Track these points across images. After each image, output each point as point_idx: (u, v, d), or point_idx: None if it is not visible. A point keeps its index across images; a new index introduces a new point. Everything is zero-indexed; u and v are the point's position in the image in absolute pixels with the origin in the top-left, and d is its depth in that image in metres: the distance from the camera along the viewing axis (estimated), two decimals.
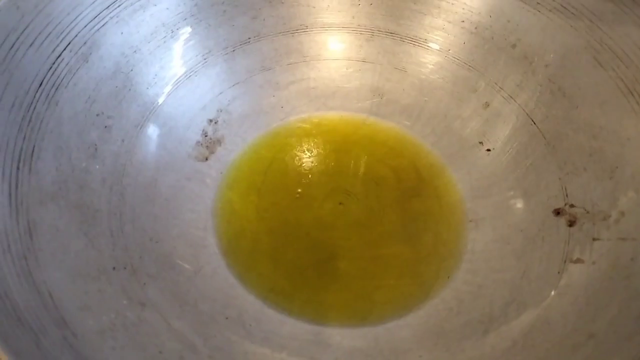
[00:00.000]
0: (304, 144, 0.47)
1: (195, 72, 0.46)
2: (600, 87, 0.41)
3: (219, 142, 0.46)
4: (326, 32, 0.50)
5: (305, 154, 0.47)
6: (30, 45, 0.36)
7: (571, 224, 0.39)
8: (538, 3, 0.44)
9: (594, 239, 0.38)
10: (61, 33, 0.38)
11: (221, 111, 0.47)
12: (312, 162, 0.46)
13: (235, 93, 0.48)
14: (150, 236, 0.38)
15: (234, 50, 0.48)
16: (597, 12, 0.41)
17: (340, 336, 0.37)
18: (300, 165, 0.46)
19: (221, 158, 0.45)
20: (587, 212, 0.39)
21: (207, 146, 0.45)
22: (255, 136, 0.47)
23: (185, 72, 0.46)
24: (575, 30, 0.43)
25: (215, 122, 0.46)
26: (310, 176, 0.46)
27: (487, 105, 0.47)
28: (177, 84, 0.45)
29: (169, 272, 0.37)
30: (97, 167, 0.39)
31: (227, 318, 0.37)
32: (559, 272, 0.37)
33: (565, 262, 0.38)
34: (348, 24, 0.51)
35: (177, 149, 0.44)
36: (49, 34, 0.37)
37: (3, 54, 0.34)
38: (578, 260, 0.37)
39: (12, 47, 0.35)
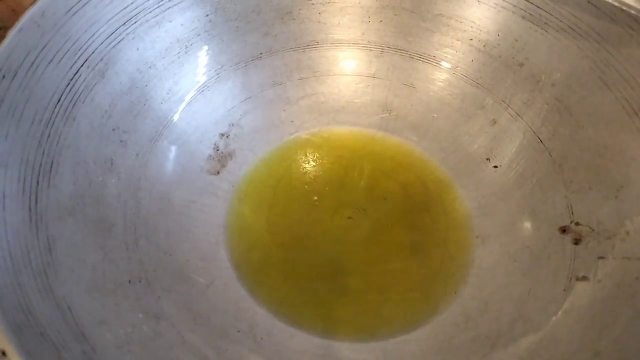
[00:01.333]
0: (314, 158, 0.48)
1: (208, 87, 0.47)
2: (606, 107, 0.42)
3: (230, 155, 0.47)
4: (336, 48, 0.51)
5: (315, 168, 0.48)
6: (50, 62, 0.37)
7: (577, 242, 0.40)
8: (545, 23, 0.45)
9: (599, 258, 0.38)
10: (79, 50, 0.39)
11: (233, 125, 0.48)
12: (321, 177, 0.47)
13: (247, 107, 0.49)
14: (164, 249, 0.39)
15: (246, 66, 0.49)
16: (603, 33, 0.42)
17: (349, 350, 0.38)
18: (310, 179, 0.47)
19: (232, 172, 0.46)
20: (593, 231, 0.40)
21: (218, 160, 0.46)
22: (266, 150, 0.48)
23: (198, 87, 0.47)
24: (581, 51, 0.43)
25: (227, 136, 0.47)
26: (320, 190, 0.46)
27: (494, 122, 0.48)
28: (190, 98, 0.46)
29: (182, 286, 0.38)
30: (113, 181, 0.39)
31: (238, 331, 0.37)
32: (564, 290, 0.38)
33: (570, 279, 0.38)
34: (358, 40, 0.51)
35: (190, 162, 0.45)
36: (67, 51, 0.38)
37: (23, 72, 0.35)
38: (583, 278, 0.38)
39: (32, 64, 0.36)
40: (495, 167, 0.46)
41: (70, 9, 0.38)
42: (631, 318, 0.34)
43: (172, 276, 0.38)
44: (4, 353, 0.26)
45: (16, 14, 0.59)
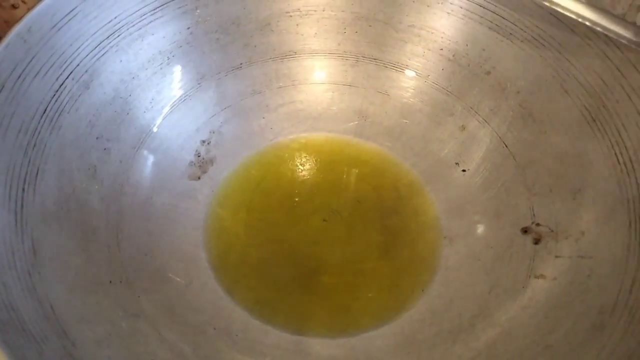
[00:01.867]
0: (291, 164, 0.50)
1: (190, 96, 0.49)
2: (566, 114, 0.44)
3: (211, 161, 0.49)
4: (313, 58, 0.53)
5: (293, 173, 0.50)
6: (36, 75, 0.39)
7: (536, 241, 0.42)
8: (510, 34, 0.47)
9: (556, 257, 0.41)
10: (64, 62, 0.41)
11: (213, 132, 0.50)
12: (299, 181, 0.49)
13: (227, 115, 0.51)
14: (144, 252, 0.41)
15: (226, 75, 0.51)
16: (564, 43, 0.44)
17: (320, 346, 0.40)
18: (288, 183, 0.49)
19: (213, 177, 0.48)
20: (552, 231, 0.42)
21: (199, 166, 0.48)
22: (245, 156, 0.50)
23: (180, 96, 0.49)
24: (544, 60, 0.46)
25: (208, 143, 0.49)
26: (297, 194, 0.48)
27: (463, 128, 0.50)
28: (172, 107, 0.48)
29: (161, 286, 0.40)
30: (96, 187, 0.42)
31: (215, 328, 0.39)
32: (523, 287, 0.40)
33: (529, 277, 0.41)
34: (334, 50, 0.54)
35: (172, 168, 0.47)
36: (53, 64, 0.40)
37: (11, 84, 0.37)
38: (540, 276, 0.40)
39: (19, 77, 0.38)
40: (464, 170, 0.48)
41: (56, 24, 0.41)
42: (580, 313, 0.36)
43: (151, 277, 0.40)
44: None
45: (9, 25, 0.61)
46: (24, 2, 0.59)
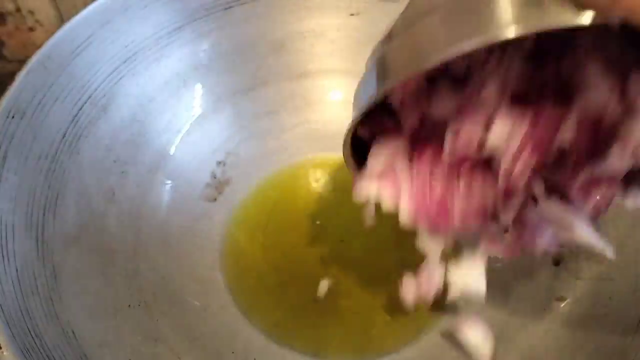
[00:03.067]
0: (307, 184, 0.50)
1: (205, 117, 0.50)
2: None
3: (227, 183, 0.49)
4: (328, 77, 0.54)
5: (309, 193, 0.50)
6: (55, 100, 0.40)
7: (557, 263, 0.42)
8: None
9: (577, 278, 0.40)
10: (82, 87, 0.42)
11: (229, 154, 0.50)
12: (315, 201, 0.49)
13: (243, 136, 0.51)
14: (162, 275, 0.41)
15: (241, 96, 0.51)
16: None
17: None
18: (304, 204, 0.49)
19: (229, 198, 0.49)
20: (572, 252, 0.42)
21: (215, 187, 0.49)
22: (261, 177, 0.50)
23: (196, 118, 0.49)
24: None
25: (224, 164, 0.50)
26: (313, 214, 0.48)
27: None
28: (188, 129, 0.49)
29: (179, 309, 0.40)
30: (114, 210, 0.42)
31: (233, 352, 0.39)
32: (544, 310, 0.40)
33: (550, 300, 0.40)
34: (350, 70, 0.54)
35: (188, 190, 0.47)
36: (72, 89, 0.41)
37: (32, 111, 0.38)
38: (561, 298, 0.40)
39: (39, 103, 0.39)
40: None
41: (75, 49, 0.41)
42: (602, 336, 0.36)
43: (169, 300, 0.40)
44: None
45: (26, 48, 0.62)
46: (41, 25, 0.60)
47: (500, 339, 0.40)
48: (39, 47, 0.40)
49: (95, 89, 0.42)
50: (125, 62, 0.44)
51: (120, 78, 0.44)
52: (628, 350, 0.34)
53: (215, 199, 0.48)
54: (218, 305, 0.42)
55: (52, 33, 0.41)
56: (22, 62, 0.39)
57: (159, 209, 0.45)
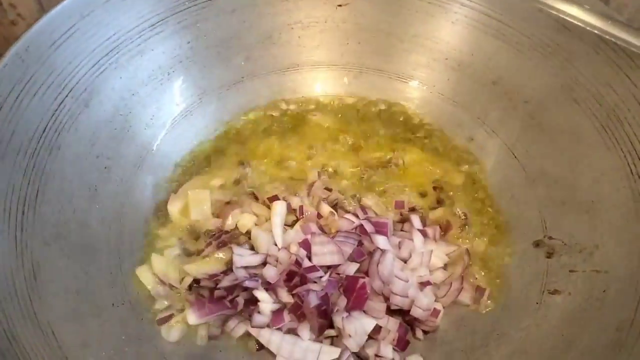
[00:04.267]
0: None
1: (191, 111, 0.49)
2: (577, 124, 0.43)
3: None
4: (316, 69, 0.53)
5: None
6: (34, 94, 0.38)
7: (549, 255, 0.41)
8: (517, 42, 0.46)
9: (570, 271, 0.39)
10: (63, 81, 0.40)
11: None
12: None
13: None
14: None
15: (228, 89, 0.50)
16: (572, 52, 0.44)
17: None
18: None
19: None
20: (565, 244, 0.41)
21: None
22: None
23: (181, 112, 0.48)
24: (552, 69, 0.45)
25: None
26: None
27: (471, 139, 0.49)
28: (173, 123, 0.48)
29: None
30: (97, 207, 0.41)
31: (220, 351, 0.38)
32: (537, 303, 0.39)
33: (543, 293, 0.39)
34: (337, 62, 0.53)
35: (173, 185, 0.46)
36: (52, 83, 0.40)
37: (9, 105, 0.37)
38: (555, 292, 0.39)
39: (17, 97, 0.37)
40: (474, 183, 0.47)
41: (54, 42, 0.40)
42: (597, 330, 0.35)
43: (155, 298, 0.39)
44: None
45: (7, 42, 0.60)
46: (23, 19, 0.58)
47: (492, 334, 0.39)
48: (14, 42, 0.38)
49: (76, 83, 0.41)
50: (107, 55, 0.43)
51: (102, 71, 0.43)
52: (623, 344, 0.33)
53: None
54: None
55: (28, 28, 0.39)
56: (3, 56, 0.38)
57: (144, 205, 0.44)
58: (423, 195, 0.47)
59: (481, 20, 0.48)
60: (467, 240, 0.44)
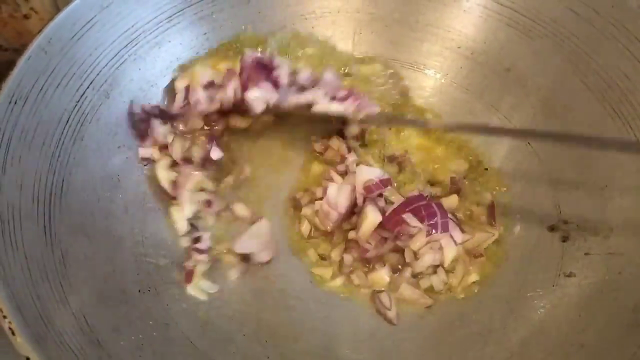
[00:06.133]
0: None
1: None
2: (589, 109, 0.44)
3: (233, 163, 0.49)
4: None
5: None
6: (57, 86, 0.39)
7: (564, 239, 0.42)
8: (529, 30, 0.47)
9: (585, 254, 0.40)
10: (84, 73, 0.41)
11: None
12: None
13: None
14: (171, 260, 0.41)
15: None
16: (584, 38, 0.44)
17: (350, 350, 0.40)
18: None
19: (238, 181, 0.48)
20: (579, 228, 0.42)
21: (221, 170, 0.48)
22: None
23: None
24: (564, 56, 0.45)
25: None
26: None
27: None
28: None
29: (189, 293, 0.40)
30: (120, 196, 0.42)
31: (244, 335, 0.39)
32: (553, 286, 0.40)
33: (559, 276, 0.40)
34: (350, 51, 0.53)
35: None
36: (74, 75, 0.40)
37: (34, 97, 0.37)
38: (571, 274, 0.40)
39: (41, 89, 0.38)
40: (486, 169, 0.48)
41: (75, 34, 0.41)
42: (614, 311, 0.36)
43: (179, 285, 0.40)
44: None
45: (21, 36, 0.61)
46: (36, 13, 0.59)
47: (509, 316, 0.40)
48: (34, 34, 0.39)
49: (97, 74, 0.42)
50: (125, 46, 0.44)
51: (122, 63, 0.44)
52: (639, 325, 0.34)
53: (222, 182, 0.48)
54: (229, 289, 0.42)
55: (48, 20, 0.40)
56: (17, 50, 0.38)
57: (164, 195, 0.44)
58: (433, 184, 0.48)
59: (493, 8, 0.48)
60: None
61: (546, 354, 0.36)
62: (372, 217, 0.41)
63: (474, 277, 0.42)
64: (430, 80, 0.52)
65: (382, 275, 0.42)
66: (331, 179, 0.45)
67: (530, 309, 0.39)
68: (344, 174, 0.46)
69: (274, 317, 0.41)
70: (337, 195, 0.43)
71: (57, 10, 0.41)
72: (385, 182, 0.42)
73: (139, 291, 0.38)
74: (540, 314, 0.39)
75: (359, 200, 0.43)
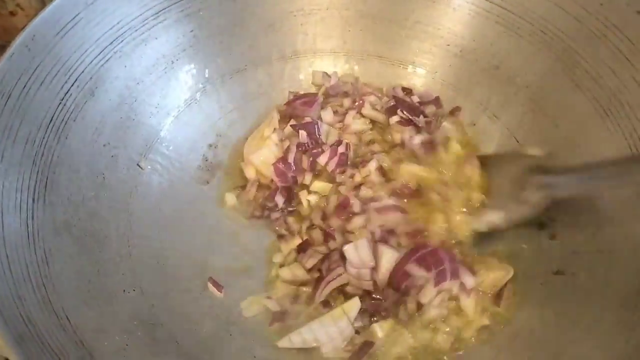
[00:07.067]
0: None
1: (195, 99, 0.49)
2: (578, 107, 0.44)
3: (219, 165, 0.49)
4: (319, 57, 0.53)
5: None
6: (41, 83, 0.39)
7: (553, 237, 0.42)
8: (518, 27, 0.47)
9: (573, 252, 0.40)
10: (69, 70, 0.40)
11: (220, 136, 0.49)
12: None
13: (234, 117, 0.50)
14: (156, 259, 0.41)
15: (231, 78, 0.51)
16: (573, 36, 0.44)
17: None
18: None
19: (221, 181, 0.48)
20: (568, 226, 0.42)
21: (207, 169, 0.48)
22: None
23: (185, 100, 0.48)
24: (553, 53, 0.45)
25: (215, 147, 0.49)
26: None
27: (473, 124, 0.50)
28: (178, 112, 0.48)
29: (175, 293, 0.40)
30: (105, 195, 0.41)
31: (230, 334, 0.39)
32: (541, 284, 0.40)
33: (547, 273, 0.40)
34: (339, 49, 0.53)
35: (180, 173, 0.46)
36: (58, 72, 0.40)
37: (17, 94, 0.37)
38: (559, 272, 0.40)
39: (24, 86, 0.37)
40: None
41: (60, 31, 0.40)
42: (601, 309, 0.36)
43: (165, 284, 0.40)
44: None
45: (7, 32, 0.60)
46: (22, 9, 0.58)
47: (497, 313, 0.40)
48: (20, 31, 0.38)
49: (82, 72, 0.41)
50: (111, 43, 0.43)
51: (107, 60, 0.43)
52: (628, 324, 0.34)
53: (207, 182, 0.47)
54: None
55: (34, 17, 0.39)
56: (3, 47, 0.38)
57: (151, 193, 0.44)
58: None
59: (482, 6, 0.48)
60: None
61: (534, 351, 0.36)
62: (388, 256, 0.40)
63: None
64: (420, 78, 0.52)
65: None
66: None
67: (517, 307, 0.39)
68: None
69: None
70: (357, 254, 0.40)
71: (44, 6, 0.41)
72: None
73: (124, 291, 0.38)
74: (527, 313, 0.39)
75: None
